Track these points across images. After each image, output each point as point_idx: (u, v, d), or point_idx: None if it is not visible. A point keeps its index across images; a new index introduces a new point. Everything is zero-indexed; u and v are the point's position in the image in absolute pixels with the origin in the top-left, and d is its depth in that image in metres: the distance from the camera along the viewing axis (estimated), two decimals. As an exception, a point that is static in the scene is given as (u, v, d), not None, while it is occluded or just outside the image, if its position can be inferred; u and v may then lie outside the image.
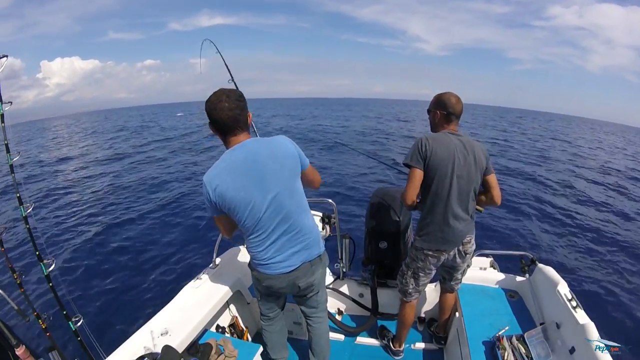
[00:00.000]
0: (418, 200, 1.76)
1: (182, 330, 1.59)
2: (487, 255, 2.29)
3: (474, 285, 2.12)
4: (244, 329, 2.10)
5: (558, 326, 1.65)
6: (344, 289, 2.49)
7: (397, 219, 2.19)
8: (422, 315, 2.39)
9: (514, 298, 2.04)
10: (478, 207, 1.81)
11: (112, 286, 4.42)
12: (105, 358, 1.43)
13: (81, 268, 4.91)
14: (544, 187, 9.32)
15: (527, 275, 2.03)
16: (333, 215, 2.25)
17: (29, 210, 1.83)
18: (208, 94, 1.34)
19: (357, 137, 18.59)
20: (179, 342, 1.52)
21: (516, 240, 5.63)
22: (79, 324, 1.77)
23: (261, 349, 1.67)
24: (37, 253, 1.80)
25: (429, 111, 1.78)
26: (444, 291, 2.06)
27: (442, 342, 2.17)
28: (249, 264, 1.54)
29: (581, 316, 1.54)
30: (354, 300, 2.43)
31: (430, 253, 1.75)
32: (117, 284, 4.48)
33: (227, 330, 1.96)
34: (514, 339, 1.64)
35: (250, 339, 2.17)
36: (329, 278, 2.47)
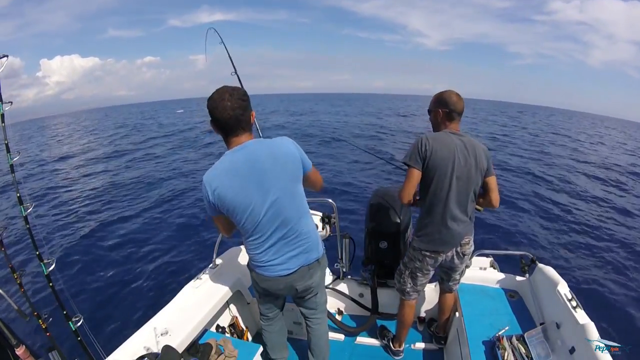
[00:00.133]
0: (417, 198, 1.75)
1: (182, 330, 1.60)
2: (487, 255, 2.28)
3: (474, 285, 2.12)
4: (244, 329, 2.10)
5: (558, 326, 1.65)
6: (344, 288, 2.48)
7: (398, 219, 2.18)
8: (422, 315, 2.39)
9: (514, 298, 2.04)
10: (477, 207, 1.79)
11: (111, 284, 4.42)
12: (105, 358, 1.43)
13: (80, 265, 4.91)
14: (544, 183, 9.29)
15: (527, 275, 2.03)
16: (333, 215, 2.24)
17: (29, 210, 1.83)
18: (209, 90, 1.31)
19: (355, 132, 18.50)
20: (179, 342, 1.52)
21: (516, 238, 5.60)
22: (79, 324, 1.78)
23: (261, 349, 1.67)
24: (38, 253, 1.80)
25: (429, 111, 1.74)
26: (443, 291, 2.06)
27: (442, 342, 2.17)
28: (248, 265, 1.54)
29: (581, 316, 1.53)
30: (354, 300, 2.43)
31: (428, 254, 1.75)
32: (116, 281, 4.48)
33: (227, 330, 1.96)
34: (514, 339, 1.64)
35: (250, 339, 2.17)
36: (329, 278, 2.47)
